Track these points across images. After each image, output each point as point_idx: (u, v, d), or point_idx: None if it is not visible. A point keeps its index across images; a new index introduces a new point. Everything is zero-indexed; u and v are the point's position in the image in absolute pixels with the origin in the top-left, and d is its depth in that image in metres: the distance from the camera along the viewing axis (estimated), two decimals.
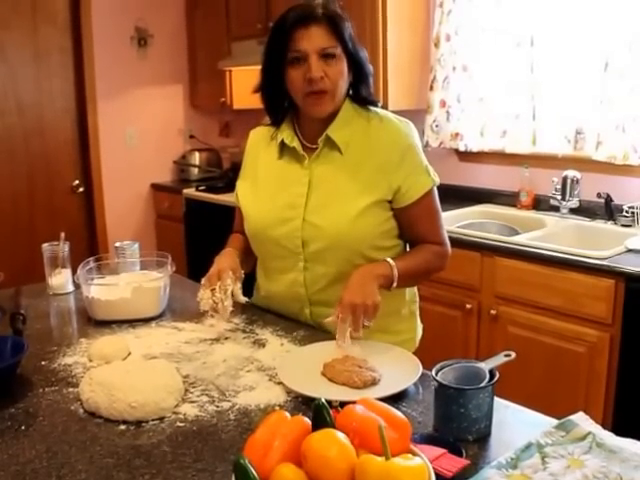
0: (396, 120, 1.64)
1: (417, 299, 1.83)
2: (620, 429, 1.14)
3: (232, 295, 1.62)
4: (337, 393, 1.26)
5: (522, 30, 3.16)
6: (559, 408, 1.23)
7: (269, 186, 1.69)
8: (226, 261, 1.68)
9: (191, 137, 4.87)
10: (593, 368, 2.47)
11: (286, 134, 1.67)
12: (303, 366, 1.39)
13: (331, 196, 1.61)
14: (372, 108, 1.65)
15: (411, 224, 1.65)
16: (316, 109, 1.58)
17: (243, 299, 1.66)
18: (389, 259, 1.54)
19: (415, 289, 1.81)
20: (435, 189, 1.65)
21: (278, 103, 1.67)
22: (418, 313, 1.83)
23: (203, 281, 1.64)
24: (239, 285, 1.65)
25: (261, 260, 1.77)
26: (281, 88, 1.61)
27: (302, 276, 1.65)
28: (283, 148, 1.68)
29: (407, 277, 1.58)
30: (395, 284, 1.54)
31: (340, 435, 0.86)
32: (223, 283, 1.61)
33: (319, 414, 0.92)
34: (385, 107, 1.74)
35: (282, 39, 1.54)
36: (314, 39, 1.52)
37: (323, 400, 0.94)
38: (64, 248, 1.97)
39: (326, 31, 1.53)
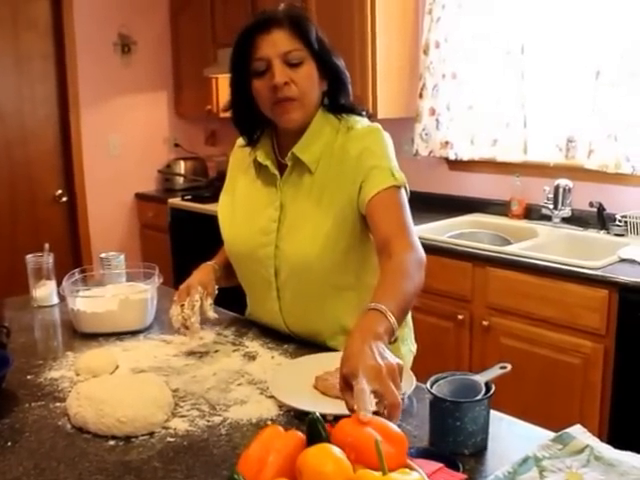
0: (361, 127, 1.54)
1: (406, 323, 1.70)
2: (616, 441, 1.13)
3: (202, 311, 1.59)
4: (330, 406, 1.23)
5: (512, 38, 3.16)
6: (554, 420, 1.22)
7: (245, 209, 1.64)
8: (197, 276, 1.65)
9: (176, 145, 4.85)
10: (588, 380, 2.46)
11: (261, 152, 1.59)
12: (295, 379, 1.36)
13: (300, 221, 1.53)
14: (345, 117, 1.56)
15: (374, 225, 1.45)
16: (285, 118, 1.49)
17: (213, 315, 1.62)
18: (378, 306, 1.19)
19: None
20: (402, 192, 1.47)
21: (250, 119, 1.59)
22: (412, 335, 1.74)
23: (175, 297, 1.61)
24: (210, 301, 1.62)
25: (242, 283, 1.73)
26: (251, 103, 1.53)
27: (277, 305, 1.61)
28: (259, 167, 1.62)
29: (402, 315, 1.26)
30: (397, 333, 1.22)
31: (336, 450, 0.84)
32: (191, 299, 1.57)
33: (314, 428, 0.90)
34: (374, 115, 1.69)
35: (244, 48, 1.48)
36: (276, 43, 1.45)
37: (317, 414, 0.92)
38: (48, 259, 1.94)
39: (289, 34, 1.46)
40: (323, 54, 1.50)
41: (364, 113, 1.60)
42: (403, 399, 1.04)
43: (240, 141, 1.70)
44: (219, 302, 1.67)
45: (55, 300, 1.95)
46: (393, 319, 1.18)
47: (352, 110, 1.58)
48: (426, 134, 3.47)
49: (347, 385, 1.03)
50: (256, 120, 1.59)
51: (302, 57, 1.47)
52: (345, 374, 1.04)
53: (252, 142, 1.63)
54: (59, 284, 1.79)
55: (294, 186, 1.56)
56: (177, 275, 4.25)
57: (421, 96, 3.44)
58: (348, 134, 1.53)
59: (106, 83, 4.44)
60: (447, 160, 3.55)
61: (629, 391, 2.36)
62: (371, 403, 0.96)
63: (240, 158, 1.70)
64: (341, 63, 1.55)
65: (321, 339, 1.58)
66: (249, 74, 1.49)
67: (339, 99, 1.56)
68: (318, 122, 1.54)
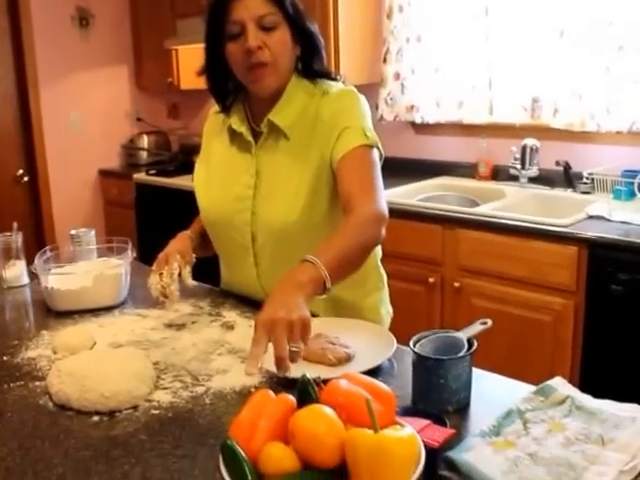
0: (335, 90, 1.54)
1: (383, 285, 1.73)
2: (587, 393, 1.16)
3: (180, 279, 1.58)
4: (312, 372, 1.23)
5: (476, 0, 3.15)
6: (526, 377, 1.24)
7: (220, 176, 1.63)
8: (175, 245, 1.64)
9: (138, 120, 4.76)
10: (559, 336, 2.51)
11: (235, 119, 1.59)
12: None
13: (276, 186, 1.53)
14: (320, 82, 1.56)
15: (340, 182, 1.44)
16: (259, 84, 1.49)
17: (191, 283, 1.62)
18: (310, 257, 1.21)
19: (381, 273, 1.72)
20: (373, 151, 1.47)
21: (224, 86, 1.59)
22: (388, 298, 1.75)
23: (153, 266, 1.60)
24: (188, 269, 1.61)
25: (218, 251, 1.73)
26: (225, 68, 1.52)
27: (255, 272, 1.61)
28: (233, 134, 1.61)
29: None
30: (329, 284, 1.20)
31: (327, 410, 0.85)
32: (170, 267, 1.56)
33: (304, 390, 0.90)
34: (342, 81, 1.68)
35: (218, 12, 1.46)
36: (251, 7, 1.43)
37: (307, 376, 0.92)
38: (17, 239, 1.89)
39: None
40: (297, 19, 1.49)
41: (339, 78, 1.60)
42: (298, 351, 1.07)
43: (214, 108, 1.68)
44: (194, 276, 1.66)
45: (26, 280, 1.91)
46: (324, 269, 1.18)
47: (326, 75, 1.58)
48: (391, 99, 3.46)
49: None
50: (228, 86, 1.58)
51: (276, 21, 1.45)
52: (263, 321, 1.08)
53: (226, 108, 1.62)
54: (29, 264, 1.76)
55: (270, 152, 1.55)
56: (144, 251, 4.20)
57: (385, 61, 3.43)
58: (323, 98, 1.53)
59: (65, 58, 4.33)
60: (413, 124, 3.55)
61: (599, 345, 2.42)
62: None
63: (214, 125, 1.69)
64: (315, 28, 1.54)
65: None
66: (223, 38, 1.47)
67: (313, 64, 1.56)
68: (292, 87, 1.54)
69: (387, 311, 1.74)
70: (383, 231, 1.38)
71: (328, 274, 1.19)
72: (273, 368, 1.23)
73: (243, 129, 1.57)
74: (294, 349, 1.07)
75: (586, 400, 1.12)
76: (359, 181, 1.42)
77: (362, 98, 1.55)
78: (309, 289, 1.16)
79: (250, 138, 1.57)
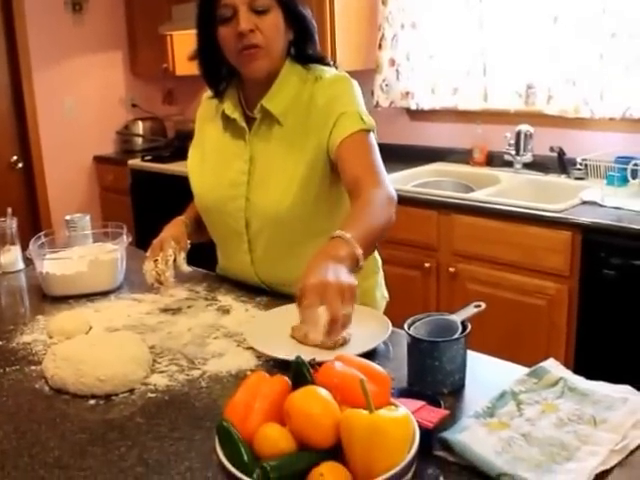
0: (329, 76, 1.52)
1: (378, 269, 1.74)
2: (581, 375, 1.17)
3: (176, 265, 1.58)
4: (308, 355, 1.24)
5: None
6: (521, 361, 1.25)
7: (214, 162, 1.62)
8: (170, 230, 1.64)
9: (133, 106, 4.73)
10: (553, 320, 2.52)
11: (228, 104, 1.57)
12: (271, 330, 1.37)
13: (270, 172, 1.52)
14: (313, 67, 1.55)
15: (343, 167, 1.44)
16: (250, 67, 1.46)
17: (187, 269, 1.61)
18: (341, 233, 1.18)
19: (376, 257, 1.72)
20: (371, 135, 1.47)
21: (217, 71, 1.58)
22: (383, 282, 1.75)
23: (148, 253, 1.59)
24: (183, 255, 1.61)
25: (213, 236, 1.72)
26: (217, 53, 1.50)
27: (249, 258, 1.61)
28: (227, 120, 1.59)
29: (368, 246, 1.23)
30: (362, 262, 1.18)
31: (322, 391, 0.85)
32: (165, 254, 1.56)
33: (299, 372, 0.91)
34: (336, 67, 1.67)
35: None
36: None
37: (302, 358, 0.92)
38: (12, 224, 1.89)
39: None
40: (290, 2, 1.48)
41: (332, 63, 1.59)
42: (349, 315, 1.04)
43: (207, 93, 1.67)
44: (190, 260, 1.66)
45: (20, 265, 1.91)
46: (357, 246, 1.16)
47: (319, 60, 1.57)
48: (386, 85, 3.45)
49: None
50: (220, 71, 1.57)
51: (268, 5, 1.44)
52: (313, 284, 1.03)
53: (219, 94, 1.61)
54: (24, 249, 1.76)
55: (263, 139, 1.55)
56: (140, 237, 4.20)
57: (380, 47, 3.42)
58: (316, 84, 1.52)
59: (58, 44, 4.29)
60: (408, 110, 3.55)
61: (592, 329, 2.44)
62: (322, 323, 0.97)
63: (207, 110, 1.68)
64: (308, 13, 1.53)
65: (295, 289, 1.58)
66: (215, 21, 1.46)
67: (306, 49, 1.55)
68: (285, 73, 1.53)
69: (382, 295, 1.74)
70: (394, 212, 1.37)
71: (361, 254, 1.17)
72: (275, 354, 1.24)
73: (236, 115, 1.56)
74: (346, 313, 1.03)
75: (579, 382, 1.13)
76: (364, 165, 1.42)
77: (355, 83, 1.54)
78: (347, 264, 1.13)
79: (244, 124, 1.56)
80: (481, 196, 2.77)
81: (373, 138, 1.48)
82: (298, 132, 1.51)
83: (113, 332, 1.42)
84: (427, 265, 2.86)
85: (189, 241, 1.65)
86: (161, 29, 4.14)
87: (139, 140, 4.62)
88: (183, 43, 4.19)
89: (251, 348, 1.31)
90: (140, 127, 4.64)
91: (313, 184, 1.51)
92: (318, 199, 1.52)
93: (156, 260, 1.55)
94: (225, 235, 1.64)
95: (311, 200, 1.51)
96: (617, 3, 2.68)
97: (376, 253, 1.72)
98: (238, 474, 0.78)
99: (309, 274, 1.07)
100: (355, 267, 1.16)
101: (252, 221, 1.55)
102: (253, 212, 1.54)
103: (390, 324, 1.35)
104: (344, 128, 1.45)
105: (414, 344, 1.14)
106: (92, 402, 1.17)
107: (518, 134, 3.08)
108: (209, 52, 1.53)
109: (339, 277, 1.05)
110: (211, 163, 1.63)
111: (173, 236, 1.61)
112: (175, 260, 1.58)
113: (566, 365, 1.20)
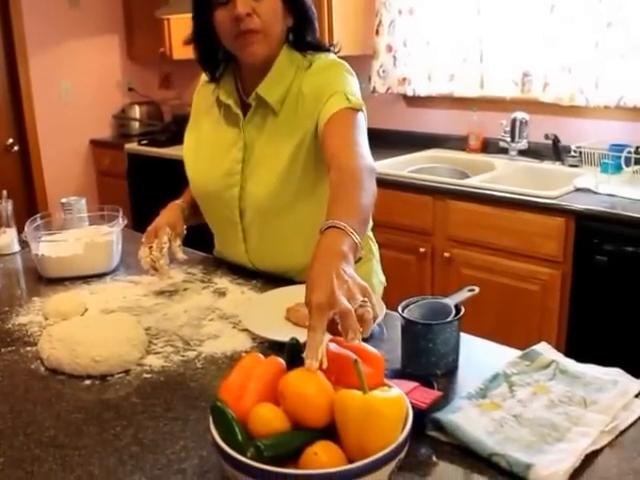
0: (318, 63, 1.49)
1: (374, 254, 1.72)
2: (572, 359, 1.18)
3: (171, 252, 1.57)
4: (303, 336, 1.25)
5: None
6: (515, 344, 1.26)
7: (209, 149, 1.60)
8: (165, 216, 1.62)
9: (130, 90, 4.71)
10: (546, 304, 2.54)
11: (224, 90, 1.54)
12: (267, 312, 1.37)
13: (263, 161, 1.50)
14: (310, 54, 1.50)
15: (325, 144, 1.37)
16: (247, 51, 1.42)
17: (182, 257, 1.60)
18: (337, 222, 1.06)
19: (372, 242, 1.72)
20: (358, 114, 1.41)
21: (213, 55, 1.54)
22: (379, 269, 1.75)
23: (142, 239, 1.58)
24: (178, 242, 1.60)
25: (208, 223, 1.71)
26: (214, 37, 1.46)
27: (243, 247, 1.60)
28: (222, 106, 1.57)
29: (363, 228, 1.13)
30: (361, 250, 1.08)
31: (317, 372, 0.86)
32: (159, 241, 1.55)
33: (293, 353, 0.91)
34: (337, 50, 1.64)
35: None
36: None
37: (296, 339, 0.93)
38: (7, 207, 1.89)
39: None
40: None
41: (332, 49, 1.55)
42: (369, 310, 0.95)
43: (204, 77, 1.64)
44: (187, 242, 1.66)
45: (16, 248, 1.91)
46: (355, 235, 1.06)
47: (319, 47, 1.52)
48: (383, 71, 3.45)
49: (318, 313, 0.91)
50: (217, 56, 1.54)
51: None
52: (319, 303, 0.90)
53: (215, 79, 1.58)
54: (19, 232, 1.76)
55: (258, 127, 1.52)
56: (137, 221, 4.20)
57: (378, 33, 3.41)
58: (305, 72, 1.48)
59: (54, 26, 4.26)
60: (405, 96, 3.54)
61: (584, 313, 2.46)
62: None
63: (204, 96, 1.65)
64: None
65: (289, 276, 1.59)
66: (211, 5, 1.42)
67: (305, 36, 1.50)
68: (283, 60, 1.49)
69: (379, 281, 1.74)
70: (375, 182, 1.27)
71: (360, 240, 1.07)
72: (271, 336, 1.25)
73: (231, 101, 1.53)
74: (367, 308, 0.94)
75: (570, 364, 1.14)
76: (343, 141, 1.34)
77: (346, 67, 1.50)
78: (351, 258, 1.02)
79: (238, 111, 1.53)
80: (476, 182, 2.78)
81: (361, 118, 1.42)
82: (290, 122, 1.48)
83: (109, 314, 1.42)
84: (422, 250, 2.87)
85: (185, 226, 1.64)
86: (158, 13, 4.10)
87: (136, 124, 4.60)
88: (180, 27, 4.16)
89: (246, 330, 1.32)
90: (137, 111, 4.62)
91: (306, 176, 1.48)
92: (311, 191, 1.49)
93: (151, 247, 1.54)
94: (220, 223, 1.64)
95: (304, 192, 1.49)
96: None
97: (372, 239, 1.73)
98: (232, 453, 0.79)
99: (314, 286, 0.94)
100: (356, 257, 1.07)
101: (246, 210, 1.54)
102: (247, 201, 1.53)
103: (384, 306, 1.36)
104: (330, 107, 1.40)
105: (408, 326, 1.15)
106: (87, 382, 1.17)
107: (514, 121, 3.09)
108: (205, 36, 1.49)
109: (345, 282, 0.95)
110: (206, 151, 1.61)
111: (169, 222, 1.59)
112: (170, 247, 1.57)
113: (558, 348, 1.22)
